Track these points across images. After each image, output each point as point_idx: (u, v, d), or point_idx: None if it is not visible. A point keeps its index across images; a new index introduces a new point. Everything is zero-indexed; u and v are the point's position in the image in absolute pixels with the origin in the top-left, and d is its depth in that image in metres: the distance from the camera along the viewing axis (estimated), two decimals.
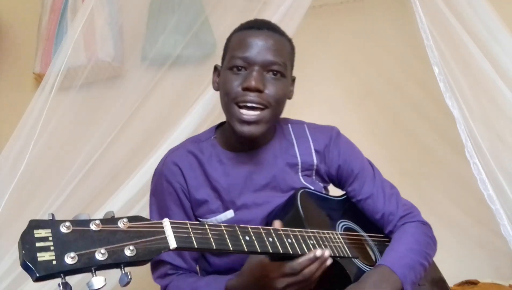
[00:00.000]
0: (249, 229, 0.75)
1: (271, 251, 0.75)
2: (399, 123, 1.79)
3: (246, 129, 0.97)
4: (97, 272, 0.53)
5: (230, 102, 0.98)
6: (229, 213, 1.03)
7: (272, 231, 0.78)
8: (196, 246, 0.64)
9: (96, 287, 0.52)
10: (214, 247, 0.67)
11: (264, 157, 1.07)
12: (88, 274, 0.54)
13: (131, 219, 0.59)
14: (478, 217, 1.61)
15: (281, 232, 0.80)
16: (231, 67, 0.98)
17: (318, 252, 0.79)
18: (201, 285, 0.97)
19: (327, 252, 0.80)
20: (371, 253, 1.03)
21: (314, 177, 1.10)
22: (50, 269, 0.49)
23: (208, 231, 0.68)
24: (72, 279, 0.52)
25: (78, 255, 0.51)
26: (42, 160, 1.29)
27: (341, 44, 1.83)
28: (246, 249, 0.71)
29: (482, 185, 1.20)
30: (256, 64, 0.96)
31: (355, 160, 1.10)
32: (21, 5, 1.91)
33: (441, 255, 1.21)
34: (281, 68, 0.99)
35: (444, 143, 1.69)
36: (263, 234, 0.76)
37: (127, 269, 0.56)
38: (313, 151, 1.09)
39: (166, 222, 0.63)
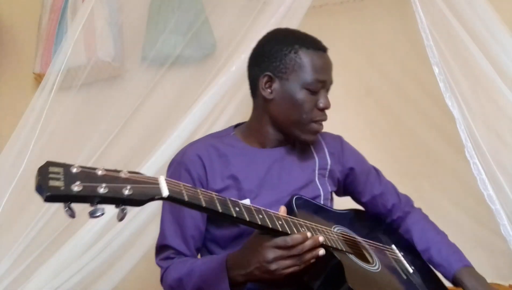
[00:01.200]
0: (240, 204, 0.79)
1: (259, 223, 0.78)
2: (399, 123, 1.79)
3: (314, 138, 1.13)
4: (98, 205, 0.61)
5: (308, 120, 1.08)
6: (246, 202, 1.05)
7: (263, 211, 0.82)
8: (186, 199, 0.70)
9: (97, 214, 0.61)
10: (204, 205, 0.72)
11: (284, 155, 1.14)
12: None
13: (132, 172, 0.69)
14: (478, 217, 1.61)
15: (272, 213, 0.83)
16: (309, 88, 1.07)
17: (309, 234, 0.83)
18: (203, 261, 1.00)
19: (321, 238, 0.84)
20: (367, 254, 1.04)
21: (327, 178, 1.17)
22: (58, 192, 0.59)
23: (200, 193, 0.74)
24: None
25: (83, 185, 0.60)
26: (42, 160, 1.28)
27: (341, 44, 1.83)
28: (234, 215, 0.75)
29: (482, 185, 1.20)
30: (326, 86, 1.10)
31: (364, 161, 1.27)
32: (21, 5, 1.90)
33: None
34: None
35: (444, 143, 1.69)
36: (254, 211, 0.80)
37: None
38: (327, 152, 1.20)
39: (161, 178, 0.71)
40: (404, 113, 1.78)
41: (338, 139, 1.26)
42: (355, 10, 1.82)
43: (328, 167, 1.18)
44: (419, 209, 1.29)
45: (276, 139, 1.13)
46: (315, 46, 1.10)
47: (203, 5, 1.61)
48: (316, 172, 1.16)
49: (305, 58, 1.07)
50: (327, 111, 1.10)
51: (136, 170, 1.35)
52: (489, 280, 1.49)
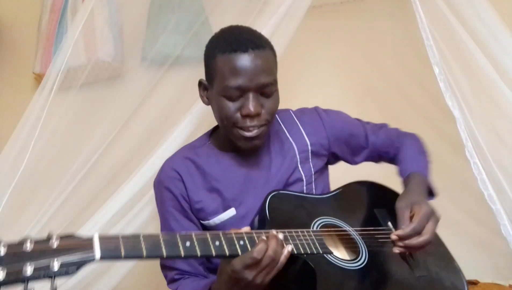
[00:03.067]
0: (193, 235, 0.75)
1: (214, 254, 0.75)
2: (399, 123, 1.77)
3: (249, 145, 1.02)
4: (29, 284, 0.60)
5: (231, 126, 1.01)
6: (231, 211, 1.05)
7: (221, 234, 0.78)
8: (123, 255, 0.68)
9: None
10: (144, 255, 0.69)
11: (261, 156, 1.10)
12: None
13: (64, 237, 0.66)
14: (478, 217, 1.61)
15: (233, 235, 0.80)
16: (224, 95, 0.99)
17: (264, 237, 0.81)
18: None
19: (280, 235, 0.82)
20: (354, 246, 1.01)
21: (310, 160, 1.13)
22: None
23: (142, 240, 0.70)
24: None
25: (7, 270, 0.59)
26: (42, 160, 1.29)
27: (341, 44, 1.83)
28: (182, 255, 0.72)
29: (482, 185, 1.20)
30: (250, 90, 0.97)
31: (346, 123, 1.23)
32: (21, 5, 1.90)
33: None
34: (273, 86, 1.01)
35: (444, 143, 1.69)
36: (209, 239, 0.76)
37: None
38: (304, 133, 1.14)
39: (95, 237, 0.68)
40: (404, 113, 1.77)
41: (315, 113, 1.19)
42: (355, 10, 1.82)
43: (309, 148, 1.13)
44: (409, 138, 1.26)
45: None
46: (231, 48, 0.97)
47: (203, 5, 1.61)
48: (298, 157, 1.11)
49: (220, 64, 0.98)
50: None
51: (136, 170, 1.36)
52: (489, 280, 1.50)
